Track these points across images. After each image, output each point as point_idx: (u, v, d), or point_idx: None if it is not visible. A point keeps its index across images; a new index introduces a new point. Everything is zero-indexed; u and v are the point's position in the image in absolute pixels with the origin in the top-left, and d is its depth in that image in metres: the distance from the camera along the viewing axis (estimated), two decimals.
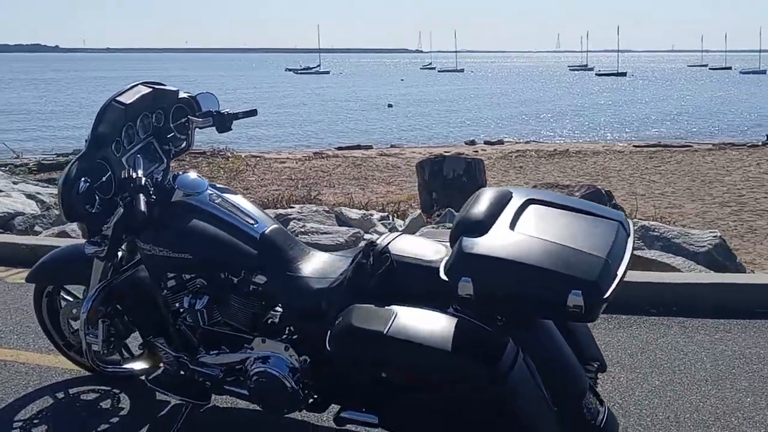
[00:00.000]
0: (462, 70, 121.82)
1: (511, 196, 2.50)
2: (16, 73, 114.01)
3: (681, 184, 13.55)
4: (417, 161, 11.47)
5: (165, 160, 3.07)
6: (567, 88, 71.47)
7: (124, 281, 3.04)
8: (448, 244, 2.60)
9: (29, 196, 8.04)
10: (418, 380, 2.32)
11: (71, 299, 3.38)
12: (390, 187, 13.41)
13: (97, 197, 2.69)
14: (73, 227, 6.43)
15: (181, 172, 2.92)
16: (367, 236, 5.81)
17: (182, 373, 2.97)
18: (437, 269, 2.40)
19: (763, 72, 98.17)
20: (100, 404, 3.25)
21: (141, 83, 2.94)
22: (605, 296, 2.10)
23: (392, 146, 23.01)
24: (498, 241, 2.25)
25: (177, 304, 2.93)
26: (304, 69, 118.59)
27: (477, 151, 19.40)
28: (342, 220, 6.34)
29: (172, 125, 3.09)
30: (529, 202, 2.48)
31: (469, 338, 2.29)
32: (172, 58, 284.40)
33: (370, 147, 22.14)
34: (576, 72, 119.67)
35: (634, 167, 15.98)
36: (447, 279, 2.24)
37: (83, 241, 3.02)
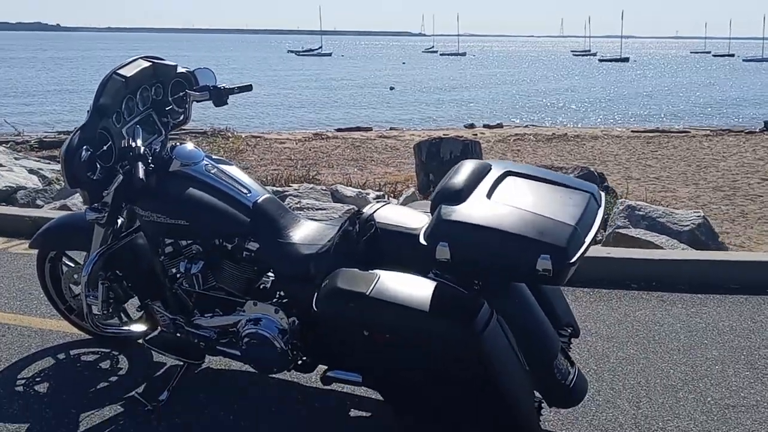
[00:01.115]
0: (464, 54, 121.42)
1: (490, 168, 2.64)
2: (17, 51, 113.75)
3: (676, 169, 13.65)
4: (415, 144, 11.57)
5: (163, 132, 3.21)
6: (569, 73, 71.29)
7: (123, 247, 3.18)
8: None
9: (31, 171, 8.18)
10: (397, 339, 2.47)
11: (73, 265, 3.53)
12: (388, 168, 13.51)
13: (98, 165, 2.83)
14: (74, 201, 6.58)
15: (178, 143, 3.07)
16: None
17: (178, 335, 3.13)
18: (415, 236, 2.56)
19: (766, 60, 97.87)
20: (100, 364, 3.41)
21: (141, 57, 3.08)
22: (572, 261, 2.25)
23: (392, 128, 23.06)
24: (474, 209, 2.40)
25: (173, 270, 3.09)
26: (306, 51, 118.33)
27: (476, 134, 19.46)
28: (337, 197, 6.48)
29: (170, 98, 3.22)
30: (507, 174, 2.63)
31: (446, 300, 2.44)
32: (173, 38, 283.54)
33: (369, 129, 22.21)
34: (579, 57, 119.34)
35: (631, 152, 16.06)
36: (426, 244, 2.38)
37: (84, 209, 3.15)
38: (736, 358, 3.43)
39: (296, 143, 17.36)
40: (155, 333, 3.17)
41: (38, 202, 6.80)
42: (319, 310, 2.56)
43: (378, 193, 7.92)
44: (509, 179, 2.61)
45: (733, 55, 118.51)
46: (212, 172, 3.01)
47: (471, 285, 2.52)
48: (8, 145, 12.64)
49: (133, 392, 3.12)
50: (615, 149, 16.64)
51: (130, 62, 3.01)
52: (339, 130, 21.66)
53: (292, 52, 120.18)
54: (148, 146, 2.99)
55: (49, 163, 10.18)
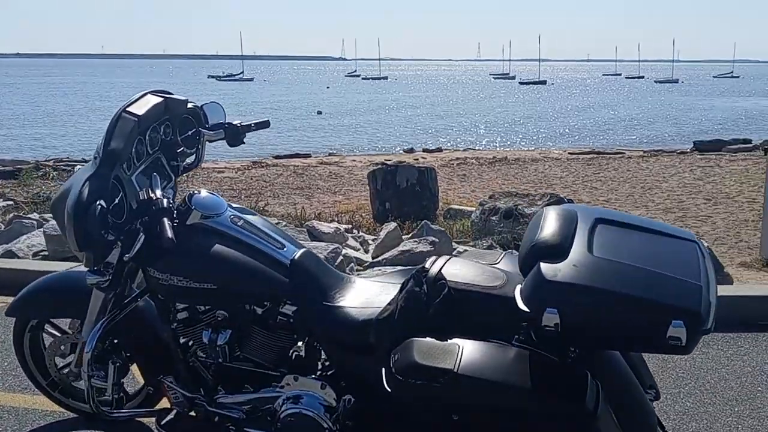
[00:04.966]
0: (386, 78, 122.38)
1: (577, 215, 2.31)
2: None
3: (623, 191, 13.76)
4: (359, 170, 11.22)
5: (173, 178, 2.77)
6: (492, 96, 72.52)
7: (127, 315, 2.70)
8: (501, 268, 2.41)
9: None
10: (494, 421, 2.09)
11: (58, 334, 3.01)
12: (337, 197, 13.11)
13: (110, 222, 2.36)
14: (19, 246, 5.95)
15: (195, 191, 2.62)
16: (344, 252, 5.55)
17: (195, 414, 2.66)
18: (498, 297, 2.22)
19: (676, 81, 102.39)
20: None
21: (149, 92, 2.63)
22: (708, 326, 1.93)
23: (330, 154, 22.68)
24: (581, 267, 2.05)
25: (188, 339, 2.63)
26: (227, 76, 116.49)
27: (417, 159, 19.30)
28: (314, 235, 6.06)
29: (179, 138, 2.77)
30: (598, 221, 2.30)
31: (548, 373, 2.09)
32: (87, 64, 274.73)
33: (308, 155, 21.76)
34: (499, 80, 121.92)
35: (574, 174, 16.17)
36: (528, 310, 2.02)
37: (66, 267, 2.68)
38: None
39: (236, 172, 16.76)
40: (170, 415, 2.68)
41: None
42: (393, 390, 2.16)
43: (345, 226, 7.53)
44: (601, 228, 2.28)
45: (643, 77, 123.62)
46: (239, 224, 2.57)
47: (566, 353, 2.18)
48: None
49: None
50: (558, 172, 16.72)
51: (139, 98, 2.56)
52: (277, 157, 21.11)
53: (213, 77, 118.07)
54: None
55: None
